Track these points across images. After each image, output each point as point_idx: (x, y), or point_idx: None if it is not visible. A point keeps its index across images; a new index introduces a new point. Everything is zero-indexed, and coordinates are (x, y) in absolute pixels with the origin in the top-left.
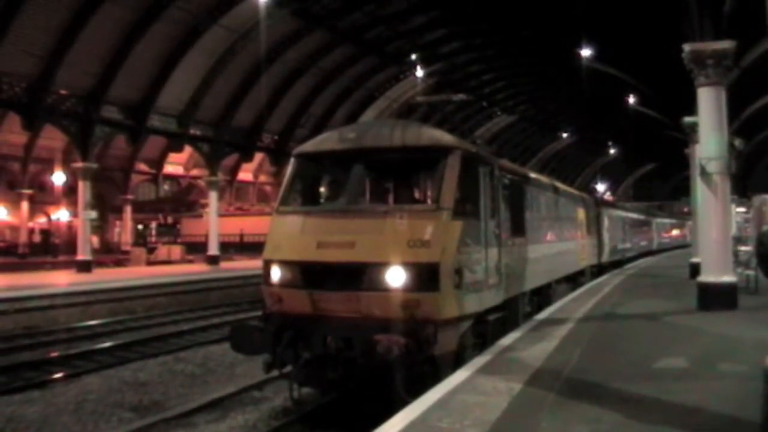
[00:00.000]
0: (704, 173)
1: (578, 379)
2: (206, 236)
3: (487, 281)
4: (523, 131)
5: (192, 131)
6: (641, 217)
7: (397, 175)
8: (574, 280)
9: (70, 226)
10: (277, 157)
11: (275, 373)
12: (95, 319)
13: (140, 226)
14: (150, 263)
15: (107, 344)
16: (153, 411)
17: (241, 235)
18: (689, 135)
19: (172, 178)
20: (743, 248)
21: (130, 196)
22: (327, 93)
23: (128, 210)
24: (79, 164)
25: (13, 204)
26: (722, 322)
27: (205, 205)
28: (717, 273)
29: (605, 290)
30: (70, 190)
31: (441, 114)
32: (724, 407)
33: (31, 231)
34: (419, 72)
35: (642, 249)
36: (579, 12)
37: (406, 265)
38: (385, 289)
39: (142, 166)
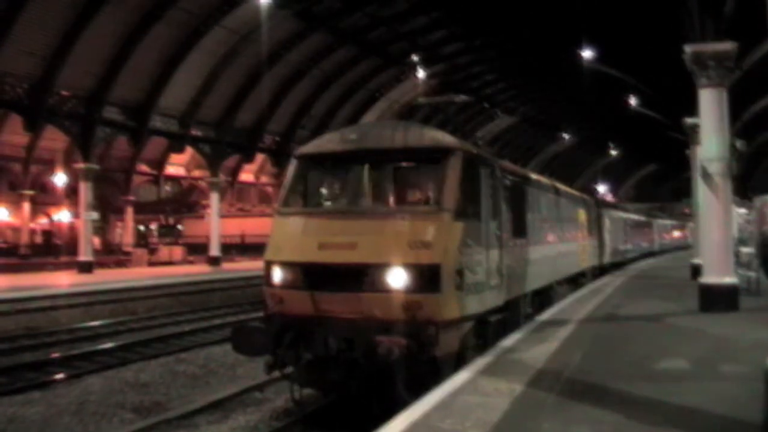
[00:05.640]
0: (705, 174)
1: (579, 380)
2: (208, 237)
3: (488, 282)
4: (525, 132)
5: (193, 132)
6: (642, 218)
7: (398, 177)
8: (575, 281)
9: (71, 227)
10: (279, 158)
11: (277, 374)
12: (97, 320)
13: (141, 227)
14: (151, 264)
15: (109, 345)
16: (154, 412)
17: (243, 236)
18: (690, 136)
19: (174, 179)
20: (744, 249)
21: (131, 197)
22: (328, 94)
23: (130, 211)
24: (81, 165)
25: (15, 205)
26: (723, 324)
27: (206, 206)
28: (718, 274)
29: (606, 291)
30: (71, 191)
31: (443, 115)
32: (725, 408)
33: (33, 232)
34: (421, 73)
35: (643, 250)
36: (580, 13)
37: (408, 266)
38: (387, 291)
39: (144, 167)
